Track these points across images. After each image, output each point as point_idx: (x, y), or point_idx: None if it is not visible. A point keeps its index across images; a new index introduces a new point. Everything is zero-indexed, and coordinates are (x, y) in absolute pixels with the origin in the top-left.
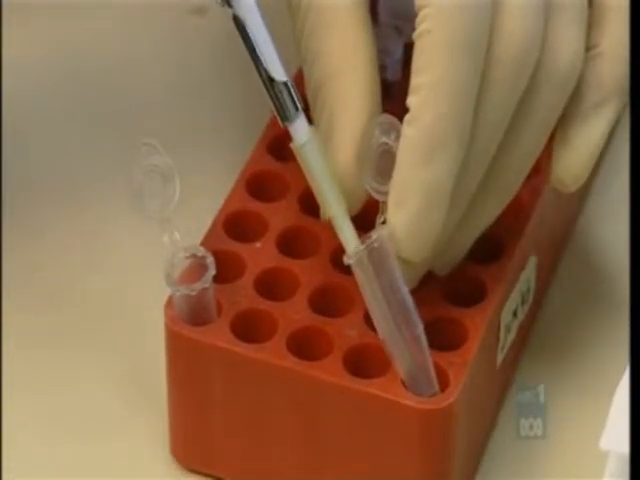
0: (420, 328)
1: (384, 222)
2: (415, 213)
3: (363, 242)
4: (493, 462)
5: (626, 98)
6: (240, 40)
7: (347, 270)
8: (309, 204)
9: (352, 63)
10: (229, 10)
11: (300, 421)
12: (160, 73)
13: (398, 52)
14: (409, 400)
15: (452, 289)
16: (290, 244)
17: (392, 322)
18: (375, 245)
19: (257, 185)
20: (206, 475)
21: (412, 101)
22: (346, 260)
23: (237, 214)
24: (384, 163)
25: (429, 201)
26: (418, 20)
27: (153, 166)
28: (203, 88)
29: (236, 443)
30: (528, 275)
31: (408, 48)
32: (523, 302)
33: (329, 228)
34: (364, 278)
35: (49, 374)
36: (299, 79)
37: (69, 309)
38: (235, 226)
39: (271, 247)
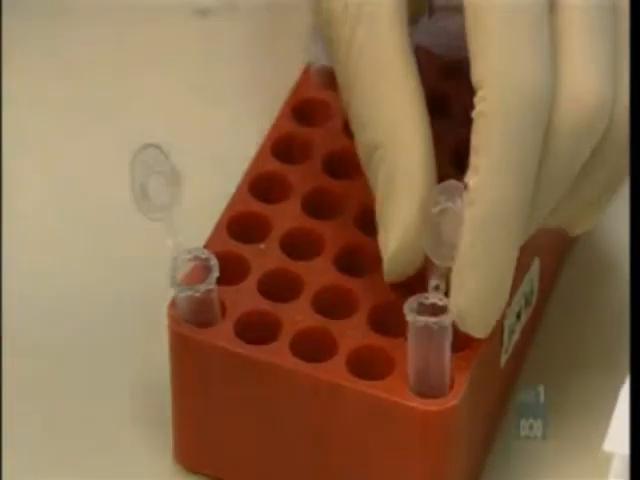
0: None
1: (437, 287)
2: (480, 295)
3: (421, 308)
4: (493, 462)
5: None
6: (242, 42)
7: (350, 272)
8: (313, 205)
9: (406, 132)
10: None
11: (304, 422)
12: (162, 74)
13: None
14: (413, 402)
15: None
16: (294, 246)
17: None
18: (435, 328)
19: (261, 186)
20: (209, 477)
21: (471, 182)
22: (407, 317)
23: (241, 216)
24: (445, 228)
25: (493, 282)
26: (476, 100)
27: (156, 167)
28: (205, 89)
29: (239, 444)
30: (531, 277)
31: None
32: (527, 304)
33: (333, 229)
34: (415, 340)
35: (50, 374)
36: (304, 80)
37: (70, 310)
38: (239, 228)
39: (275, 249)
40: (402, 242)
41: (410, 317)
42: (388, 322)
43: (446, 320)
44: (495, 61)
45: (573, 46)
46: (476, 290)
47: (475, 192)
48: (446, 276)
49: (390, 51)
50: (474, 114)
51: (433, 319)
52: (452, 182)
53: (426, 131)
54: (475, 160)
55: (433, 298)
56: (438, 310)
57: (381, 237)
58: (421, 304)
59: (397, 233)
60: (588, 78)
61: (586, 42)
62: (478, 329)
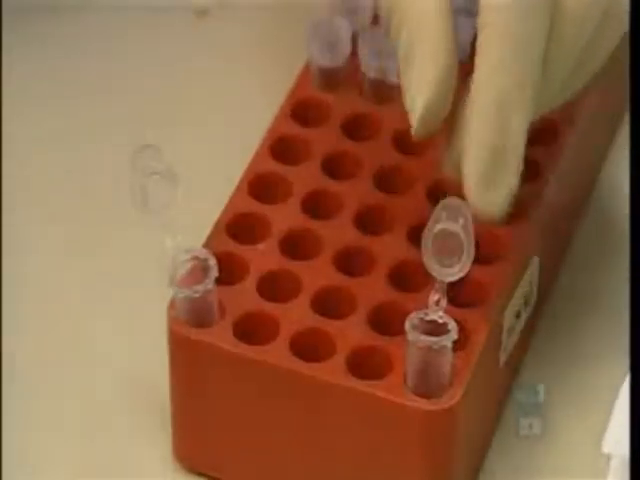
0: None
1: (438, 301)
2: (485, 172)
3: (422, 324)
4: (493, 461)
5: None
6: (241, 42)
7: (349, 271)
8: (312, 206)
9: None
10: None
11: (303, 422)
12: (162, 75)
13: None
14: (412, 401)
15: (454, 291)
16: (293, 246)
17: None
18: (435, 347)
19: (260, 187)
20: (209, 477)
21: (477, 74)
22: (408, 335)
23: (240, 216)
24: (447, 246)
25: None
26: (479, 15)
27: (155, 168)
28: (205, 90)
29: (239, 445)
30: (531, 276)
31: None
32: (526, 304)
33: (331, 229)
34: (416, 355)
35: (52, 375)
36: (303, 80)
37: (71, 311)
38: (238, 228)
39: (274, 249)
40: (430, 98)
41: (411, 336)
42: (387, 322)
43: (447, 340)
44: None
45: None
46: (481, 169)
47: (482, 79)
48: (446, 291)
49: None
50: (478, 27)
51: (434, 339)
52: (454, 200)
53: None
54: (479, 58)
55: (433, 315)
56: (438, 327)
57: (407, 94)
58: (421, 320)
59: (425, 90)
60: None
61: None
62: (495, 210)
